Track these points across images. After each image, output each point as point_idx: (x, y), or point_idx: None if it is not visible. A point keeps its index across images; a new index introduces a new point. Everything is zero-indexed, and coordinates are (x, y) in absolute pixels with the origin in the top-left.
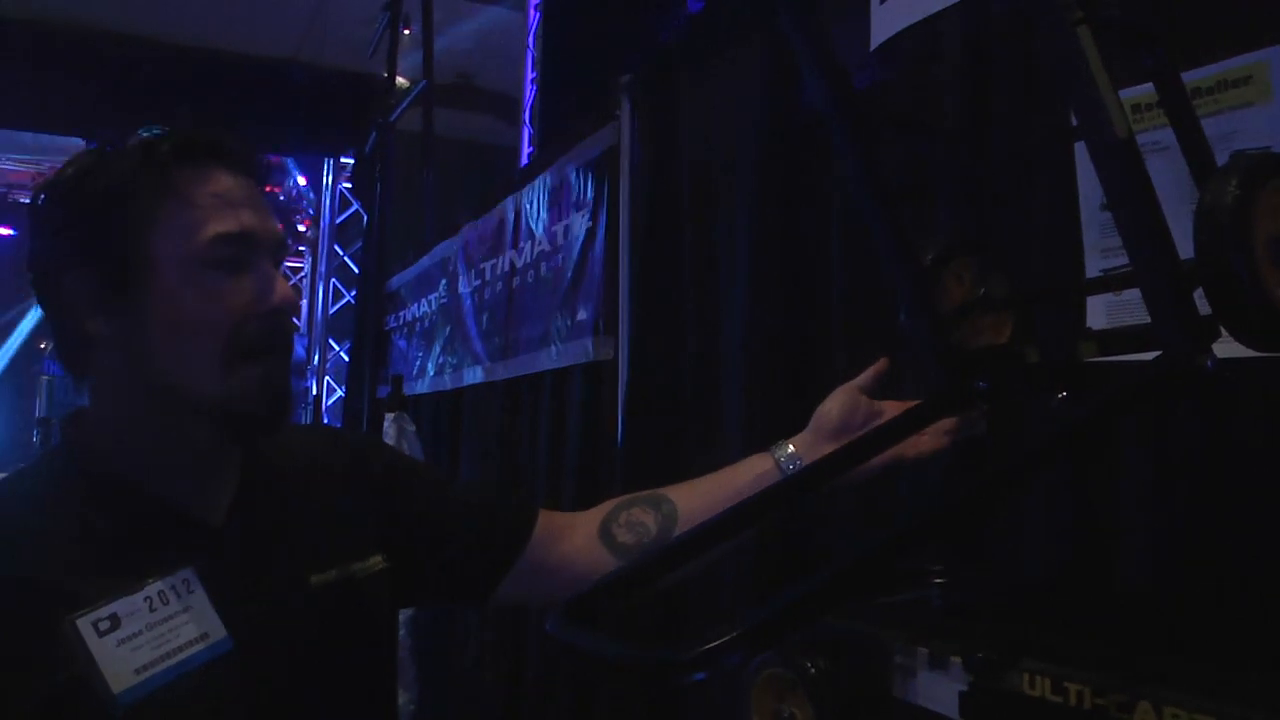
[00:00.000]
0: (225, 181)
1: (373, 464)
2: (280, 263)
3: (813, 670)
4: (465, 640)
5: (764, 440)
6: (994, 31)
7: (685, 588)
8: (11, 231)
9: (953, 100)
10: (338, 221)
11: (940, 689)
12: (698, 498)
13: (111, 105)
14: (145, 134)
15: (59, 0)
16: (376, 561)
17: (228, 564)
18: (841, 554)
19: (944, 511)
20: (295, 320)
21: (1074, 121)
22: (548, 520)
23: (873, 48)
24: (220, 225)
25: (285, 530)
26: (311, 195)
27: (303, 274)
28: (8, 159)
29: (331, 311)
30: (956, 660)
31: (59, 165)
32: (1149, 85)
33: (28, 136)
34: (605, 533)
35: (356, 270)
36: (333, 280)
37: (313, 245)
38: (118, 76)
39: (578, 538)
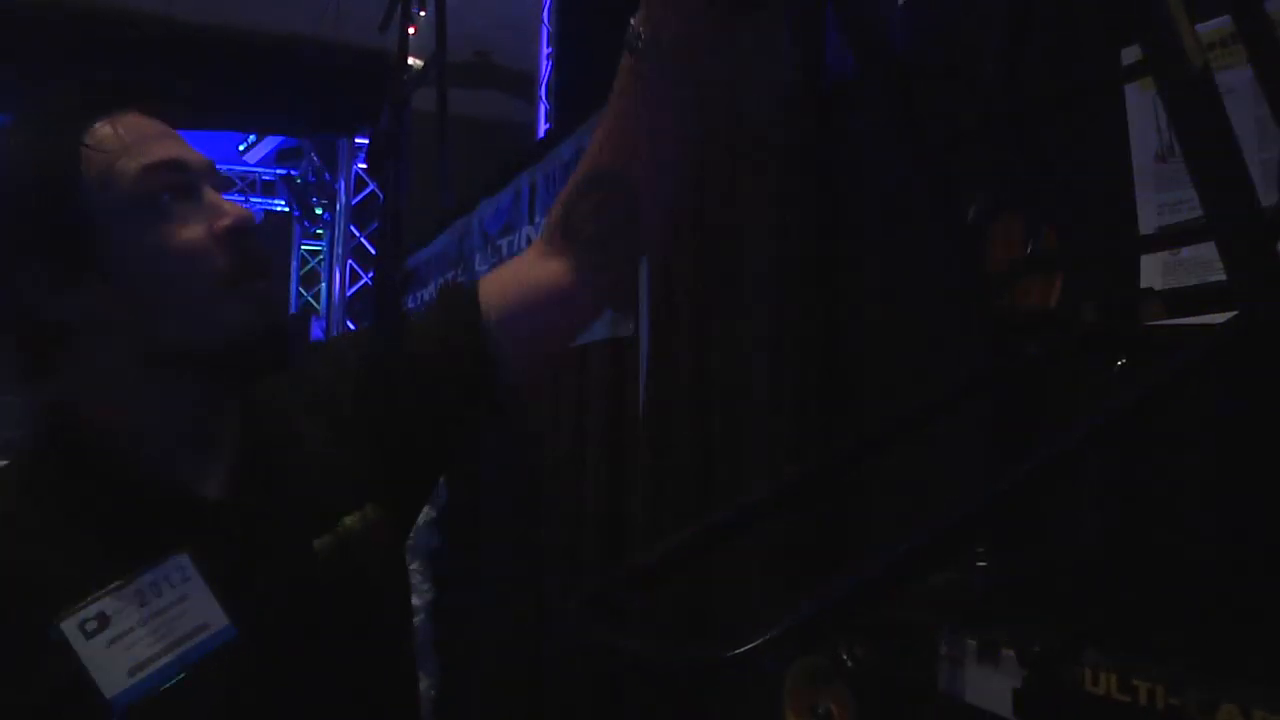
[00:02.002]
0: (135, 121)
1: (333, 391)
2: (219, 188)
3: (849, 662)
4: (487, 628)
5: (792, 413)
6: None
7: (707, 578)
8: None
9: (992, 45)
10: (354, 203)
11: (991, 684)
12: (611, 150)
13: (118, 72)
14: (47, 100)
15: None
16: (369, 511)
17: (227, 542)
18: (893, 544)
19: (1005, 493)
20: (256, 234)
21: (1124, 60)
22: (489, 286)
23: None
24: (144, 158)
25: (287, 495)
26: (327, 177)
27: (320, 256)
28: None
29: (349, 294)
30: (1009, 653)
31: None
32: (1218, 20)
33: None
34: (567, 233)
35: (373, 251)
36: (349, 262)
37: (329, 229)
38: (129, 56)
39: (535, 267)
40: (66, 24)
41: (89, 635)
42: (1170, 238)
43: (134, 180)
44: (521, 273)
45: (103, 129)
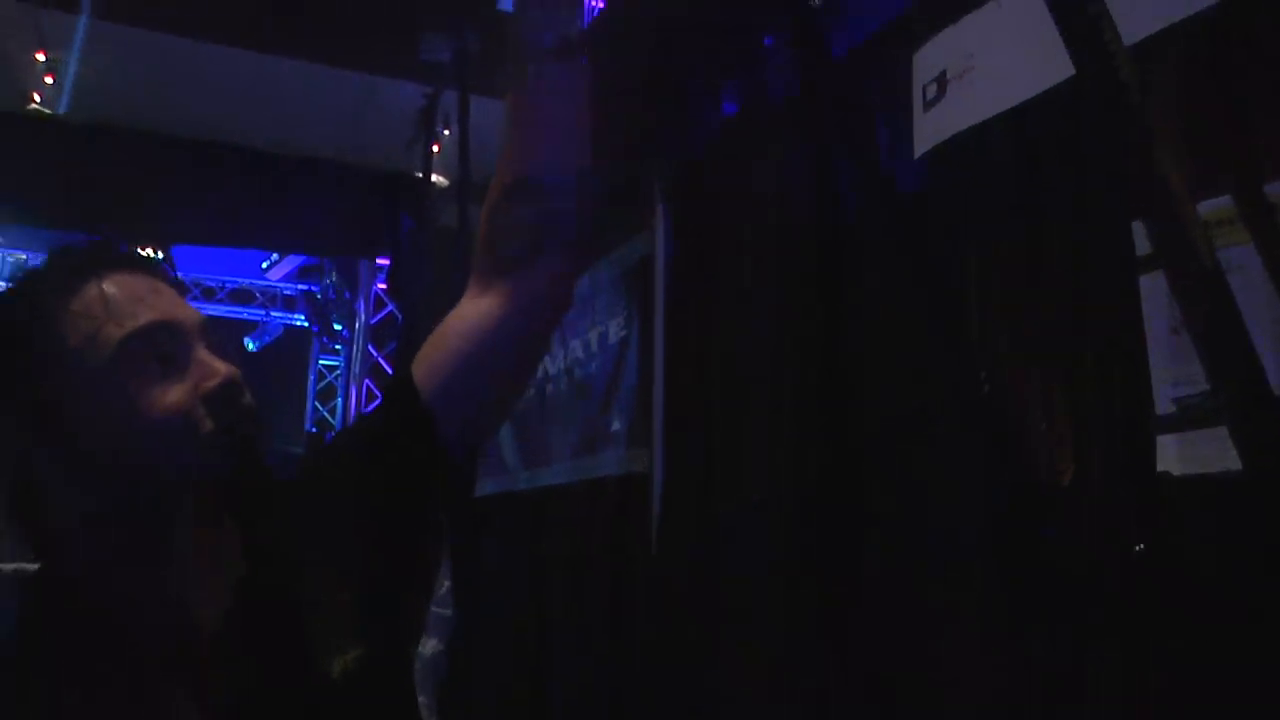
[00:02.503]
0: (119, 281)
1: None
2: (212, 345)
3: None
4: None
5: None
6: (1045, 137)
7: None
8: None
9: (1004, 211)
10: (372, 322)
11: None
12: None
13: (146, 203)
14: (26, 276)
15: (97, 99)
16: (372, 644)
17: (230, 673)
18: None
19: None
20: (245, 396)
21: (1141, 247)
22: (425, 351)
23: (917, 155)
24: (129, 323)
25: (287, 627)
26: (347, 295)
27: (337, 372)
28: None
29: (365, 413)
30: None
31: None
32: (1224, 198)
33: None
34: (493, 260)
35: (390, 372)
36: (366, 381)
37: (347, 346)
38: (154, 174)
39: (467, 312)
40: (93, 141)
41: None
42: (1185, 418)
43: (117, 347)
44: (454, 324)
45: (90, 292)
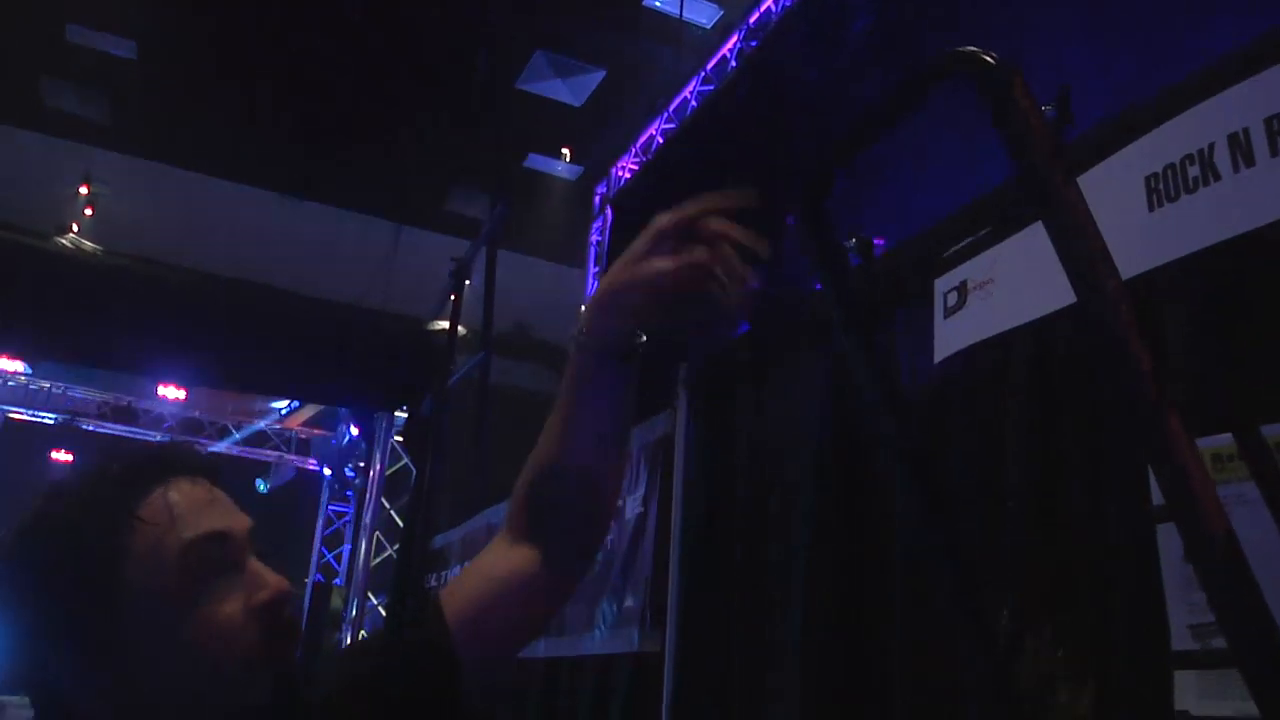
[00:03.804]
0: (181, 490)
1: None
2: (261, 554)
3: None
4: None
5: None
6: (1063, 366)
7: None
8: (71, 457)
9: (1019, 442)
10: (386, 473)
11: None
12: (561, 442)
13: (176, 345)
14: (87, 473)
15: (135, 237)
16: None
17: None
18: None
19: None
20: (291, 608)
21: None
22: (456, 587)
23: (936, 361)
24: (188, 532)
25: None
26: (363, 446)
27: (346, 519)
28: (75, 388)
29: (373, 563)
30: None
31: (121, 398)
32: (1227, 436)
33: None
34: (530, 524)
35: (401, 524)
36: (376, 533)
37: (360, 495)
38: (182, 317)
39: (501, 559)
40: (123, 277)
41: None
42: (1200, 659)
43: (176, 559)
44: (488, 567)
45: (155, 499)
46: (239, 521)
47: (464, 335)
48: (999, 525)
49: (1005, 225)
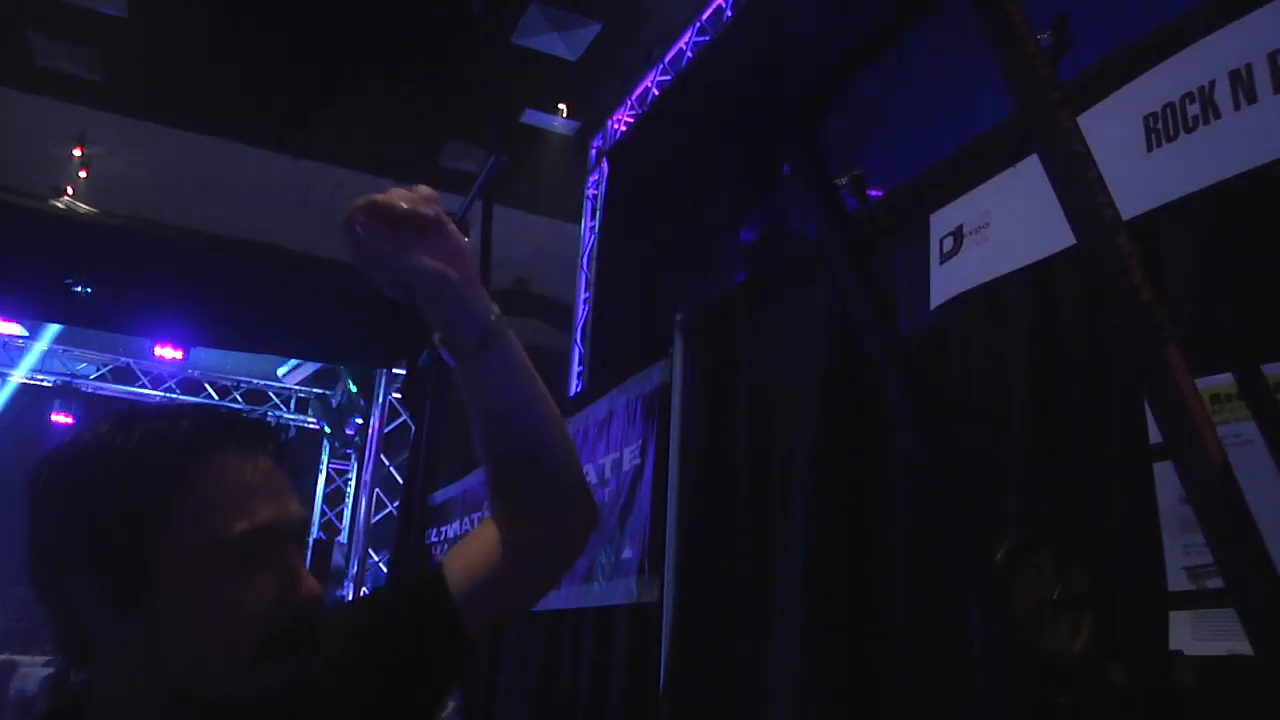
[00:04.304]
0: (241, 470)
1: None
2: (303, 545)
3: None
4: None
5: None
6: (1061, 307)
7: None
8: (72, 419)
9: (1020, 381)
10: (385, 431)
11: None
12: (488, 438)
13: (175, 306)
14: (156, 414)
15: (132, 198)
16: None
17: None
18: None
19: None
20: (316, 615)
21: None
22: (452, 560)
23: (933, 306)
24: (238, 523)
25: None
26: (361, 402)
27: (347, 477)
28: (74, 350)
29: (374, 520)
30: None
31: (119, 360)
32: (1226, 376)
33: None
34: (503, 510)
35: (400, 481)
36: (376, 490)
37: (359, 451)
38: (180, 277)
39: (487, 539)
40: (120, 239)
41: None
42: (1196, 599)
43: (219, 546)
44: (476, 546)
45: (207, 471)
46: (290, 512)
47: None
48: (997, 465)
49: (1001, 162)
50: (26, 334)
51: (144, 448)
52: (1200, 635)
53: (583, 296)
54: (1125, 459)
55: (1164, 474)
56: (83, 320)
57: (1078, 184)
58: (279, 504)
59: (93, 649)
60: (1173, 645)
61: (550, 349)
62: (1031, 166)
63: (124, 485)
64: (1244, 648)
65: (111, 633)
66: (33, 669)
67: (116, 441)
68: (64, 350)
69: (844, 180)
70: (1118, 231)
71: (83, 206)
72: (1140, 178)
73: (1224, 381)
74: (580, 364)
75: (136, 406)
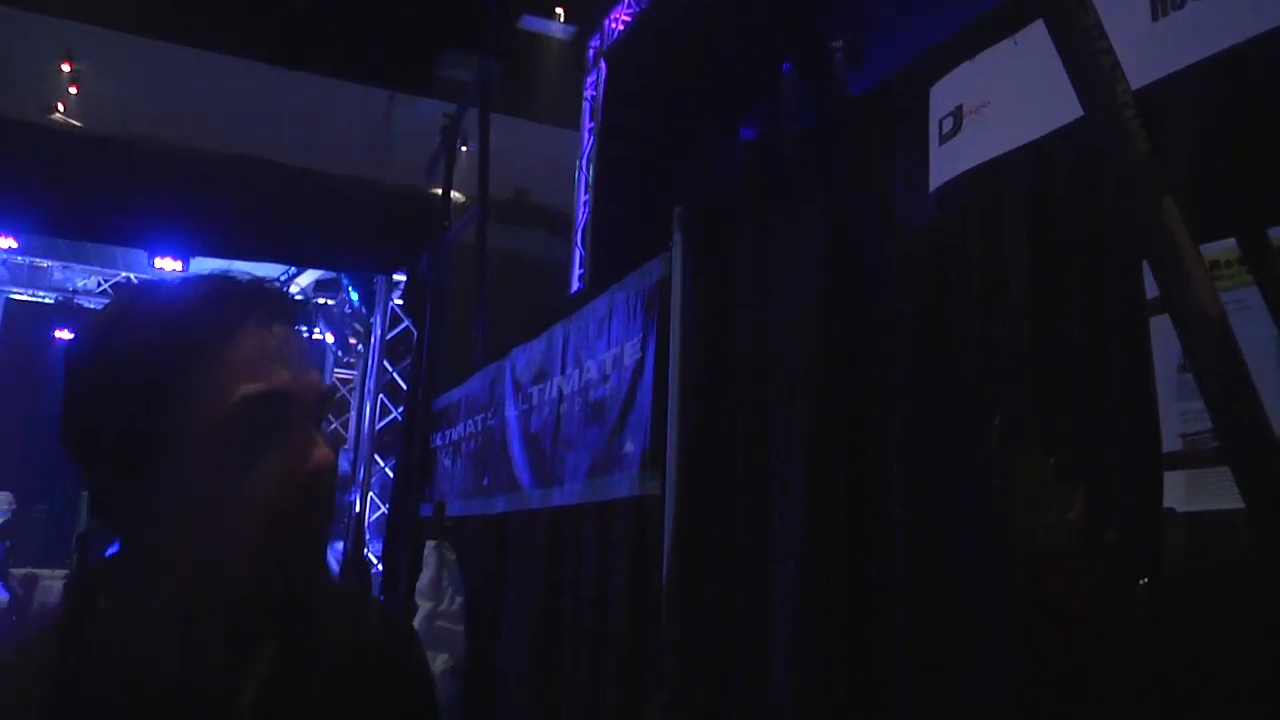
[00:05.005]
0: (257, 337)
1: (404, 659)
2: (322, 418)
3: None
4: None
5: (820, 586)
6: (1059, 182)
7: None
8: (72, 334)
9: (1017, 254)
10: (388, 337)
11: None
12: None
13: (167, 216)
14: (175, 284)
15: (125, 114)
16: None
17: None
18: None
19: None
20: (334, 485)
21: (1151, 291)
22: None
23: (931, 189)
24: (251, 386)
25: (322, 712)
26: (364, 310)
27: (352, 386)
28: (74, 266)
29: (379, 427)
30: None
31: (118, 275)
32: (1229, 241)
33: (89, 244)
34: None
35: (404, 387)
36: (380, 396)
37: (362, 360)
38: (179, 189)
39: None
40: (116, 153)
41: None
42: (1189, 457)
43: (231, 409)
44: None
45: (224, 337)
46: (306, 382)
47: (464, 202)
48: (994, 336)
49: (1002, 35)
50: (15, 244)
51: (163, 315)
52: (1194, 495)
53: (582, 199)
54: (1122, 321)
55: (1161, 345)
56: (80, 234)
57: (1075, 31)
58: (296, 371)
59: (112, 512)
60: (1166, 504)
61: (551, 259)
62: (1031, 40)
63: (142, 351)
64: (1236, 501)
65: (126, 495)
66: (53, 581)
67: (138, 309)
68: (63, 267)
69: (838, 44)
70: (1116, 80)
71: (74, 123)
72: (1145, 48)
73: (1226, 247)
74: (580, 266)
75: (159, 279)
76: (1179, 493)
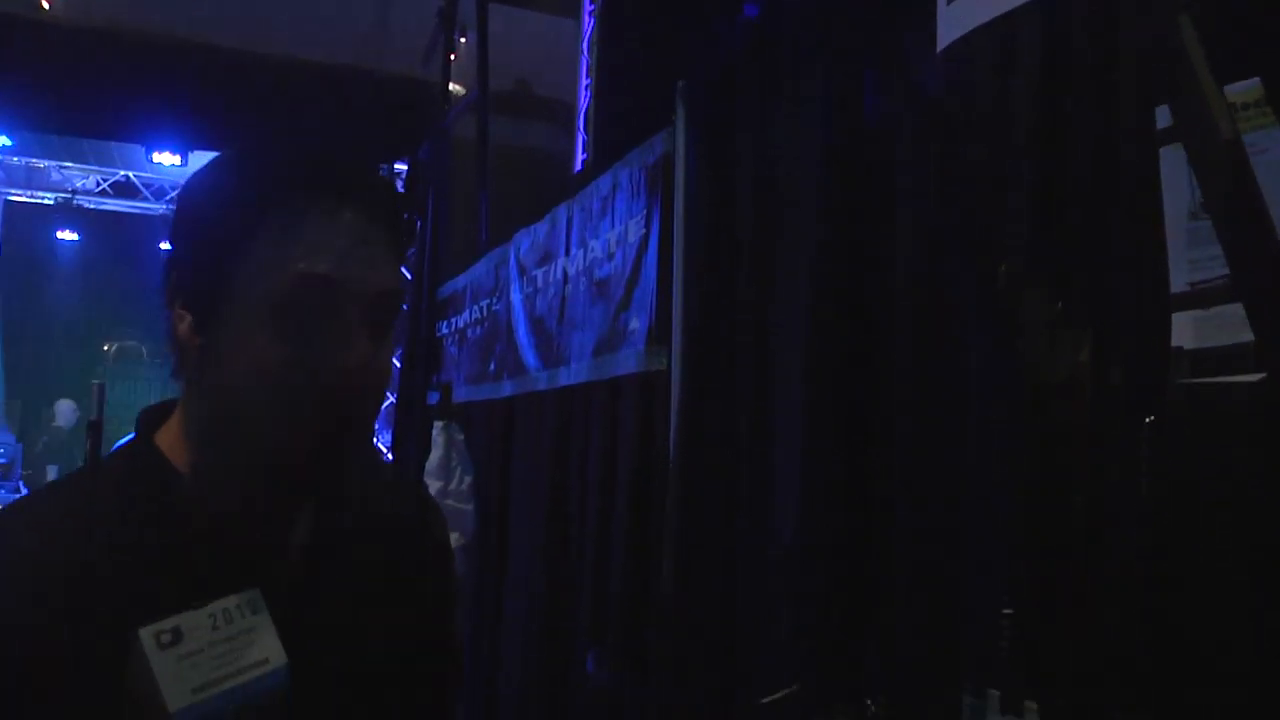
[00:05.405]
0: (330, 216)
1: (432, 536)
2: (379, 320)
3: (874, 710)
4: (514, 662)
5: (823, 456)
6: (1072, 30)
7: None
8: (76, 236)
9: (1027, 102)
10: None
11: None
12: None
13: (162, 109)
14: (269, 151)
15: (118, 5)
16: (425, 630)
17: (296, 592)
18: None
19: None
20: (372, 385)
21: (1161, 123)
22: None
23: (940, 48)
24: (306, 265)
25: (355, 567)
26: None
27: None
28: (72, 166)
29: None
30: (1032, 706)
31: (117, 173)
32: (1252, 80)
33: (85, 143)
34: None
35: (409, 277)
36: None
37: None
38: (175, 81)
39: None
40: (107, 46)
41: (163, 646)
42: (1198, 297)
43: (283, 284)
44: None
45: (295, 214)
46: (365, 276)
47: (460, 93)
48: (1002, 181)
49: None
50: (9, 143)
51: (242, 181)
52: (1202, 333)
53: (584, 83)
54: (1133, 162)
55: (1172, 192)
56: (76, 129)
57: None
58: (358, 263)
59: (178, 355)
60: (1174, 344)
61: (554, 151)
62: None
63: (216, 210)
64: (1246, 335)
65: (188, 340)
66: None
67: (222, 174)
68: (60, 167)
69: None
70: None
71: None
72: None
73: (1248, 87)
74: (584, 152)
75: (252, 144)
76: (1187, 334)
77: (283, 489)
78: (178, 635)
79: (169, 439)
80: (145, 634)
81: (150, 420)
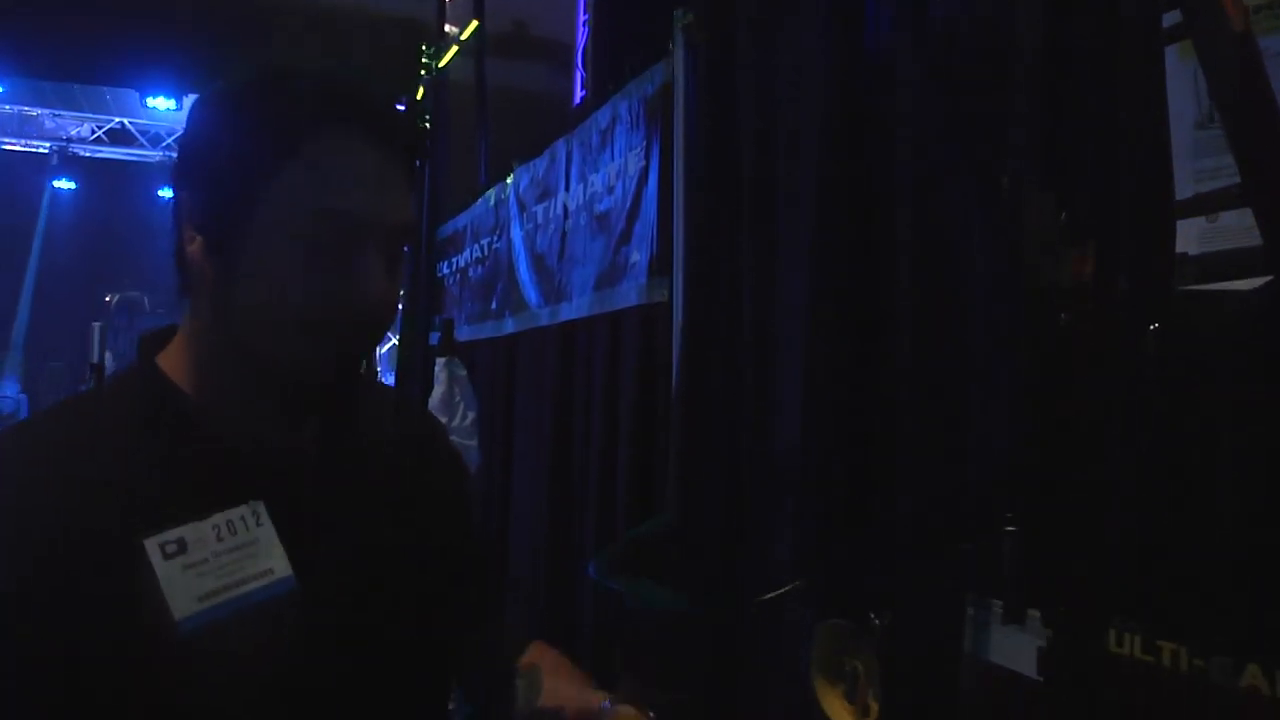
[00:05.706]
0: (355, 150)
1: (441, 446)
2: (394, 253)
3: (877, 622)
4: (519, 598)
5: (825, 386)
6: None
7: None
8: (73, 184)
9: (1029, 5)
10: None
11: (1017, 645)
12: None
13: (160, 54)
14: (294, 76)
15: None
16: (445, 534)
17: (300, 502)
18: (915, 498)
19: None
20: (384, 316)
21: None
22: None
23: None
24: (328, 200)
25: (363, 479)
26: None
27: None
28: (65, 114)
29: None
30: (1035, 614)
31: (111, 120)
32: None
33: (76, 89)
34: None
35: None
36: None
37: None
38: (169, 21)
39: None
40: None
41: (168, 556)
42: (1204, 202)
43: (304, 216)
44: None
45: (320, 144)
46: (386, 212)
47: (457, 33)
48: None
49: None
50: (2, 89)
51: (273, 102)
52: (1206, 240)
53: (581, 19)
54: (1136, 57)
55: (1179, 103)
56: (68, 74)
57: None
58: (380, 197)
59: (187, 274)
60: (1179, 249)
61: (551, 92)
62: None
63: (239, 132)
64: (1254, 240)
65: (199, 259)
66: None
67: (251, 93)
68: (54, 115)
69: None
70: None
71: None
72: None
73: None
74: (582, 89)
75: (283, 66)
76: (1191, 239)
77: (293, 409)
78: (182, 545)
79: (170, 361)
80: (150, 544)
81: (151, 344)
